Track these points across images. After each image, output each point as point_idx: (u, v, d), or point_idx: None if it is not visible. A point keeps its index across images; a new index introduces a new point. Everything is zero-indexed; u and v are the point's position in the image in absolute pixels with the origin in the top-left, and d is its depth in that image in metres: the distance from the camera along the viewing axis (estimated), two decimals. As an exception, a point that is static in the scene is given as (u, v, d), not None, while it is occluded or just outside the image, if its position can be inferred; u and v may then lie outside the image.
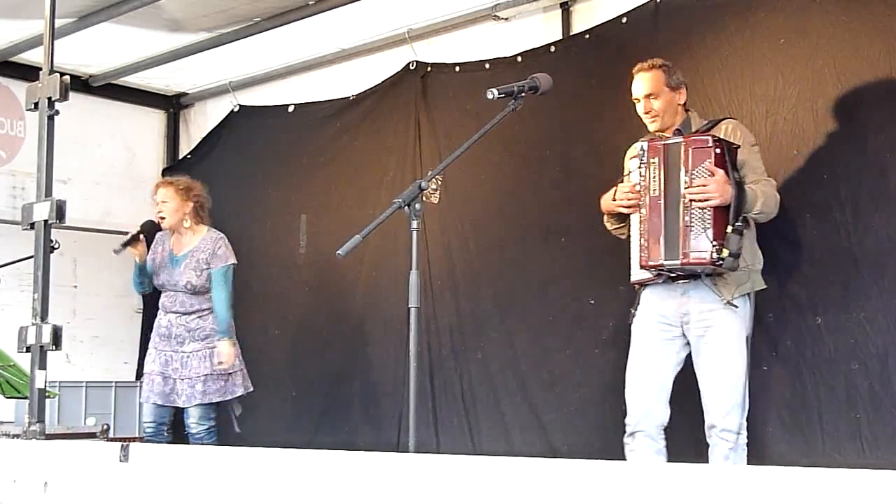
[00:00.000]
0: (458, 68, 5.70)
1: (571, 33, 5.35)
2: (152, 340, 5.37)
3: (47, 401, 3.74)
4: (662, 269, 3.89)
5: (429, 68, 5.83)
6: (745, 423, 3.86)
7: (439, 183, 5.57)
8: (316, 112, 6.42)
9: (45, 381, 3.65)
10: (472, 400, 5.43)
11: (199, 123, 7.31)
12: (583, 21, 5.32)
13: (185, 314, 5.28)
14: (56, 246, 3.80)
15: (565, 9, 5.39)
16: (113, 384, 6.73)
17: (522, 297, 5.29)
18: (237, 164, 6.81)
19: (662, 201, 3.85)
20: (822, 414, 4.18)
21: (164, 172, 7.16)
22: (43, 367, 3.63)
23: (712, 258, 3.73)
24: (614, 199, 4.03)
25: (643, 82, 4.07)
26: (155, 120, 7.38)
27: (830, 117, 4.27)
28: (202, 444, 5.17)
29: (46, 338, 3.62)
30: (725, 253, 3.72)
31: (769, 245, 4.22)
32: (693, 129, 4.03)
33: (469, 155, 3.74)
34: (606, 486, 1.90)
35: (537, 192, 5.30)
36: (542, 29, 5.48)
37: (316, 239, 6.29)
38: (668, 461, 3.97)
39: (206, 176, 6.86)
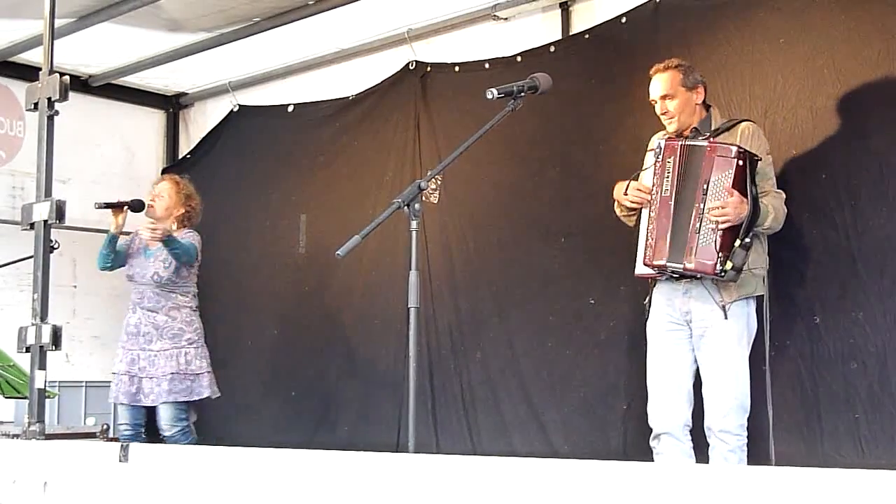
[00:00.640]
0: (457, 68, 5.71)
1: (571, 33, 5.35)
2: (121, 339, 5.29)
3: (47, 401, 3.74)
4: (665, 270, 3.90)
5: (428, 68, 5.83)
6: (745, 425, 3.86)
7: (439, 183, 5.56)
8: (315, 112, 6.42)
9: (45, 381, 3.65)
10: (472, 400, 5.43)
11: (199, 123, 7.31)
12: (582, 21, 5.32)
13: (152, 311, 5.21)
14: (56, 246, 3.80)
15: (565, 9, 5.39)
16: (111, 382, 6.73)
17: (522, 296, 5.29)
18: (237, 164, 6.81)
19: (673, 202, 3.85)
20: (821, 414, 4.18)
21: (164, 172, 7.14)
22: (42, 367, 3.63)
23: (715, 269, 3.74)
24: (626, 193, 4.03)
25: (659, 83, 4.06)
26: (154, 120, 7.38)
27: (830, 117, 4.27)
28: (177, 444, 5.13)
29: (46, 338, 3.63)
30: (729, 266, 3.73)
31: (768, 244, 4.23)
32: (713, 128, 4.01)
33: (468, 155, 3.74)
34: (606, 487, 1.90)
35: (537, 191, 5.30)
36: (541, 29, 5.48)
37: (315, 239, 6.29)
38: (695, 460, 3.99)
39: (206, 176, 6.88)
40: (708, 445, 3.90)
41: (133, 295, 5.30)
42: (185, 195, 5.37)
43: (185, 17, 5.76)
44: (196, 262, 5.31)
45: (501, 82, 3.69)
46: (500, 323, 5.36)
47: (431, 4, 5.63)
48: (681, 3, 4.84)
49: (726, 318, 3.86)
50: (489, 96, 3.62)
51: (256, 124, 6.74)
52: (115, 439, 5.69)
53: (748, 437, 3.91)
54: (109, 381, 5.44)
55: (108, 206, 5.17)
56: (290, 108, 6.56)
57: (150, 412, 5.27)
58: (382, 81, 6.06)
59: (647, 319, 4.12)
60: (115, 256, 5.27)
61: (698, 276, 3.83)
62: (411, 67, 5.89)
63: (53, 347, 3.64)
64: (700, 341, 3.94)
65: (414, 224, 3.32)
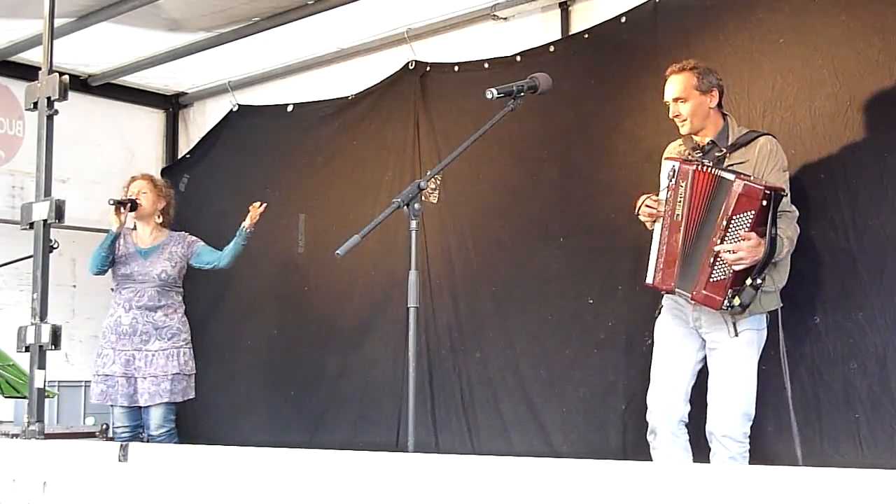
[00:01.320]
0: (456, 68, 5.71)
1: (570, 33, 5.35)
2: (107, 340, 5.24)
3: (46, 400, 3.74)
4: (672, 293, 3.92)
5: (428, 68, 5.83)
6: (748, 433, 3.86)
7: (438, 183, 5.57)
8: (315, 112, 6.42)
9: (44, 381, 3.65)
10: (471, 399, 5.43)
11: (199, 123, 7.31)
12: (582, 21, 5.32)
13: (152, 310, 5.23)
14: (55, 246, 3.81)
15: (564, 8, 5.39)
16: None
17: (521, 296, 5.29)
18: (236, 164, 6.81)
19: (683, 227, 3.82)
20: (821, 414, 4.18)
21: (164, 172, 7.15)
22: (42, 366, 3.63)
23: (722, 305, 3.74)
24: (637, 212, 3.99)
25: (672, 85, 4.02)
26: (154, 119, 7.38)
27: (829, 117, 4.27)
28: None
29: (45, 337, 3.63)
30: (737, 302, 3.72)
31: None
32: (730, 140, 3.96)
33: (468, 155, 3.74)
34: (605, 486, 1.90)
35: (536, 191, 5.30)
36: (540, 29, 5.48)
37: (315, 238, 6.29)
38: (694, 457, 4.00)
39: (205, 175, 6.90)
40: (709, 450, 3.90)
41: (126, 293, 5.27)
42: (162, 187, 5.46)
43: (184, 16, 5.76)
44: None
45: (501, 82, 3.69)
46: (499, 323, 5.36)
47: (431, 4, 5.63)
48: (680, 2, 4.84)
49: (736, 334, 3.84)
50: (489, 96, 3.61)
51: (256, 124, 6.74)
52: (112, 439, 5.68)
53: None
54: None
55: (119, 203, 5.20)
56: (290, 108, 6.56)
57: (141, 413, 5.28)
58: (382, 81, 6.06)
59: (657, 318, 4.13)
60: (111, 259, 5.29)
61: (704, 306, 3.83)
62: (411, 67, 5.89)
63: (53, 347, 3.64)
64: (713, 353, 3.94)
65: (413, 224, 3.32)
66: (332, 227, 6.07)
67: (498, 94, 3.62)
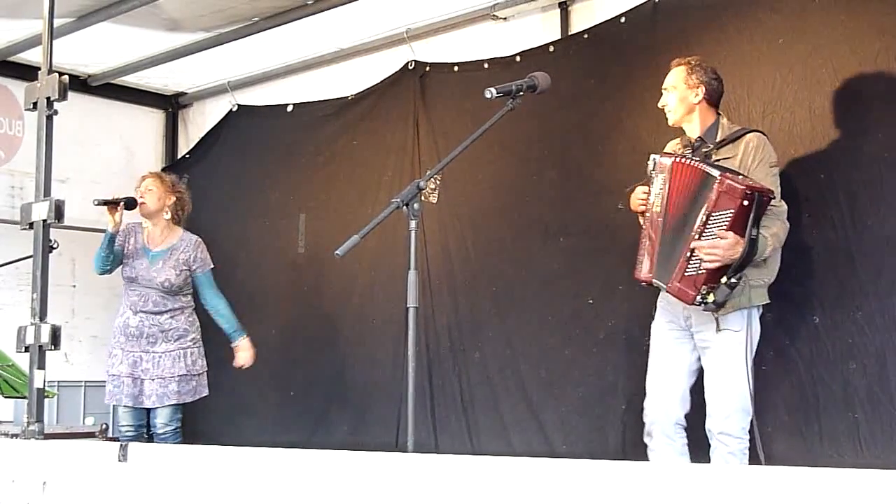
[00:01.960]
0: (456, 68, 5.71)
1: (570, 33, 5.35)
2: (116, 341, 5.24)
3: (46, 400, 3.74)
4: (651, 286, 3.96)
5: (427, 68, 5.83)
6: (747, 429, 3.86)
7: (438, 182, 5.56)
8: (315, 112, 6.42)
9: (44, 381, 3.65)
10: (471, 399, 5.43)
11: (198, 123, 7.31)
12: (581, 21, 5.32)
13: (157, 314, 5.21)
14: (55, 246, 3.81)
15: (564, 8, 5.39)
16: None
17: (521, 296, 5.29)
18: (236, 164, 6.81)
19: (662, 220, 3.87)
20: (820, 413, 4.18)
21: (164, 172, 7.15)
22: (42, 366, 3.63)
23: (694, 300, 3.77)
24: (632, 200, 4.06)
25: (668, 75, 4.11)
26: (154, 119, 7.38)
27: (828, 116, 4.27)
28: (167, 444, 5.13)
29: (45, 337, 3.63)
30: (711, 298, 3.74)
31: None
32: (719, 138, 3.98)
33: (467, 154, 3.74)
34: (605, 486, 1.90)
35: (536, 191, 5.30)
36: (540, 28, 5.48)
37: (314, 238, 6.29)
38: (692, 458, 4.01)
39: (205, 175, 6.89)
40: (709, 447, 3.91)
41: (132, 296, 5.25)
42: (171, 183, 5.38)
43: (184, 16, 5.76)
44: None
45: (500, 82, 3.68)
46: (498, 322, 5.37)
47: (430, 4, 5.63)
48: (680, 2, 4.84)
49: (718, 329, 3.86)
50: (488, 96, 3.61)
51: (255, 124, 6.74)
52: (115, 439, 5.69)
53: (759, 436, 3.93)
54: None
55: (104, 202, 5.11)
56: (290, 108, 6.56)
57: (148, 412, 5.28)
58: (381, 81, 6.06)
59: (653, 319, 4.15)
60: (113, 257, 5.25)
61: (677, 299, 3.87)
62: (410, 67, 5.89)
63: (52, 347, 3.64)
64: (705, 351, 3.95)
65: (413, 224, 3.32)
66: (331, 227, 6.07)
67: (497, 93, 3.62)
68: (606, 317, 4.89)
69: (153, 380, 5.14)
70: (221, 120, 6.95)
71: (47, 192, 3.78)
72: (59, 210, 3.69)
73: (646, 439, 4.06)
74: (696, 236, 3.74)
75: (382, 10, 5.65)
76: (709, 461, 3.90)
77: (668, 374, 4.03)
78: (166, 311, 5.21)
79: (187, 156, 7.15)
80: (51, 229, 3.75)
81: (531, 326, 5.23)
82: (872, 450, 4.02)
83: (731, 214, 3.67)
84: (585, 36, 5.21)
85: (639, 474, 1.89)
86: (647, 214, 3.94)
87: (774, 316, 4.09)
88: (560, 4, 5.40)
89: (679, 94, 4.04)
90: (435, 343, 5.58)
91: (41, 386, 3.62)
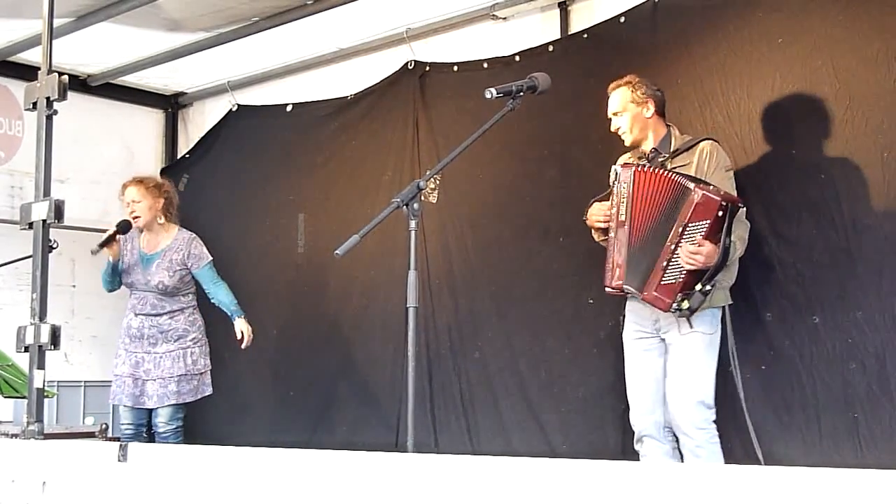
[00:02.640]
0: (456, 68, 5.70)
1: (570, 33, 5.35)
2: (122, 341, 5.31)
3: (46, 400, 3.74)
4: (622, 292, 4.03)
5: (427, 68, 5.83)
6: (710, 419, 3.93)
7: (437, 182, 5.57)
8: (314, 111, 6.42)
9: (44, 381, 3.64)
10: (471, 400, 5.43)
11: (198, 123, 7.30)
12: (581, 21, 5.32)
13: (155, 316, 5.24)
14: (54, 246, 3.80)
15: (563, 8, 5.39)
16: (111, 384, 6.72)
17: (521, 296, 5.29)
18: (235, 164, 6.81)
19: (629, 225, 3.96)
20: (820, 413, 4.18)
21: (163, 172, 7.14)
22: (41, 366, 3.63)
23: (670, 307, 3.85)
24: (585, 218, 4.16)
25: (611, 100, 4.21)
26: (153, 119, 7.38)
27: (828, 116, 4.27)
28: (168, 443, 5.15)
29: (45, 337, 3.62)
30: (685, 305, 3.82)
31: (766, 244, 4.24)
32: (672, 148, 4.10)
33: (467, 154, 3.74)
34: (604, 486, 1.90)
35: (535, 191, 5.30)
36: (540, 28, 5.48)
37: (314, 238, 6.29)
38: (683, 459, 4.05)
39: (205, 175, 6.89)
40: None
41: (132, 300, 5.31)
42: (155, 186, 5.37)
43: (184, 16, 5.76)
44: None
45: (500, 82, 3.69)
46: (498, 322, 5.36)
47: (430, 4, 5.63)
48: (680, 2, 4.84)
49: (691, 327, 3.92)
50: (488, 96, 3.62)
51: (255, 124, 6.73)
52: (115, 439, 5.69)
53: (749, 436, 3.95)
54: (108, 381, 5.45)
55: (102, 246, 5.17)
56: (289, 108, 6.55)
57: (149, 412, 5.29)
58: (381, 81, 6.05)
59: (622, 331, 4.22)
60: (118, 278, 5.35)
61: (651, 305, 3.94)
62: (410, 67, 5.89)
63: (52, 347, 3.64)
64: (669, 350, 4.04)
65: (413, 224, 3.32)
66: (331, 226, 6.07)
67: (497, 93, 3.63)
68: (606, 317, 4.88)
69: (154, 380, 5.17)
70: (221, 120, 6.95)
71: (47, 192, 3.77)
72: (58, 210, 3.69)
73: (636, 447, 4.15)
74: (673, 246, 3.82)
75: (382, 10, 5.64)
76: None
77: (645, 381, 4.12)
78: (165, 313, 5.23)
79: (187, 156, 7.15)
80: (50, 229, 3.74)
81: (531, 326, 5.22)
82: (872, 449, 4.02)
83: (707, 225, 3.77)
84: (585, 36, 5.21)
85: (639, 474, 1.89)
86: (612, 224, 4.02)
87: (774, 316, 4.09)
88: (560, 4, 5.40)
89: (631, 114, 4.14)
90: (435, 343, 5.58)
91: (41, 386, 3.62)
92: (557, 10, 5.41)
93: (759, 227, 4.20)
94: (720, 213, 3.76)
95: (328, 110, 6.34)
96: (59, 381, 6.29)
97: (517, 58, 5.40)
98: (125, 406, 5.25)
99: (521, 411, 5.20)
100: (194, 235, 5.39)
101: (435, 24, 5.82)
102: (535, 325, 5.21)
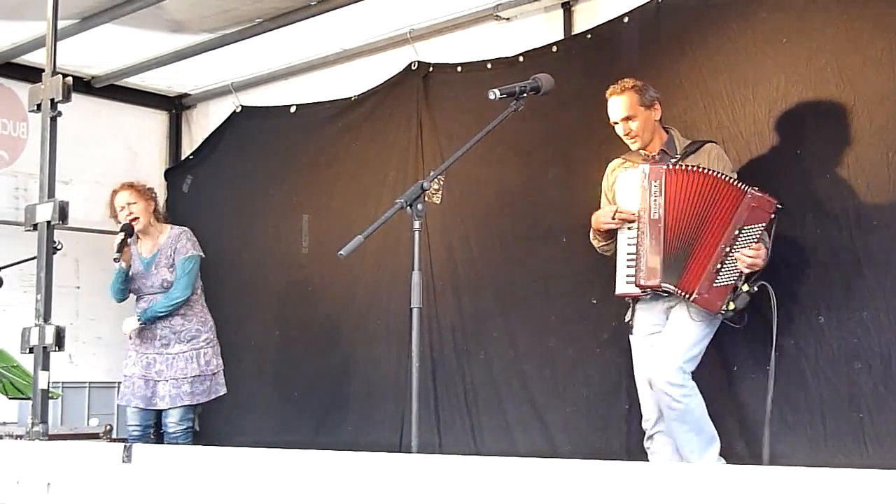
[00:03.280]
0: (459, 68, 5.70)
1: (573, 33, 5.35)
2: (133, 342, 5.30)
3: (50, 401, 3.74)
4: (658, 290, 4.02)
5: (430, 68, 5.83)
6: (687, 377, 3.93)
7: (441, 183, 5.57)
8: (318, 112, 6.42)
9: (48, 382, 3.65)
10: (475, 400, 5.43)
11: (202, 124, 7.31)
12: (584, 21, 5.31)
13: (167, 316, 5.23)
14: (59, 247, 3.81)
15: (567, 9, 5.39)
16: (116, 385, 6.66)
17: (524, 296, 5.29)
18: (239, 165, 6.81)
19: (664, 225, 3.96)
20: (825, 413, 4.18)
21: (167, 173, 7.17)
22: (46, 367, 3.63)
23: (720, 309, 3.88)
24: (613, 217, 4.11)
25: (618, 105, 4.19)
26: (157, 121, 7.38)
27: (833, 116, 4.26)
28: (177, 443, 5.15)
29: (49, 339, 3.62)
30: (732, 307, 3.86)
31: (772, 244, 4.22)
32: (677, 150, 4.13)
33: (471, 155, 3.74)
34: (609, 486, 1.90)
35: (539, 191, 5.30)
36: (543, 29, 5.48)
37: (318, 239, 6.29)
38: None
39: (209, 176, 6.90)
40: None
41: (142, 303, 5.31)
42: (145, 189, 5.40)
43: (187, 18, 5.77)
44: (198, 258, 5.34)
45: (503, 82, 3.69)
46: (502, 323, 5.36)
47: (434, 5, 5.63)
48: (683, 2, 4.84)
49: (691, 317, 3.99)
50: (491, 97, 3.62)
51: (259, 125, 6.74)
52: (122, 440, 5.69)
53: (751, 438, 3.95)
54: (113, 382, 5.47)
55: (121, 251, 5.12)
56: (293, 109, 6.56)
57: (157, 412, 5.30)
58: (385, 82, 6.05)
59: (630, 334, 4.23)
60: (127, 287, 5.34)
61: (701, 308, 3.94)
62: (413, 68, 5.89)
63: (57, 348, 3.64)
64: (669, 316, 4.09)
65: (416, 224, 3.32)
66: (335, 227, 6.07)
67: (501, 94, 3.62)
68: (610, 317, 4.88)
69: (166, 381, 5.18)
70: (225, 121, 6.96)
71: (51, 194, 3.77)
72: (62, 211, 3.69)
73: (645, 444, 4.16)
74: (728, 249, 3.87)
75: (385, 11, 5.65)
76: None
77: None
78: (176, 314, 5.23)
79: (191, 157, 7.15)
80: (55, 230, 3.75)
81: (535, 327, 5.22)
82: (878, 450, 4.02)
83: (762, 228, 3.86)
84: (588, 36, 5.20)
85: (643, 474, 1.88)
86: (639, 224, 4.01)
87: (780, 316, 4.08)
88: (563, 4, 5.39)
89: (641, 119, 4.15)
90: (439, 343, 5.58)
91: (45, 387, 3.62)
92: (561, 11, 5.41)
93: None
94: (773, 216, 3.86)
95: (332, 111, 6.35)
96: (63, 383, 6.29)
97: (521, 58, 5.40)
98: (134, 408, 5.24)
99: (525, 412, 5.20)
100: (185, 230, 5.40)
101: (438, 25, 5.82)
102: (539, 326, 5.21)
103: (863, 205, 4.14)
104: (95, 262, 5.82)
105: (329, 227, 6.18)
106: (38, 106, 3.83)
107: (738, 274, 3.86)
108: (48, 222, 3.70)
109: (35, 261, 3.78)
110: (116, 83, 6.90)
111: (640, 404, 4.25)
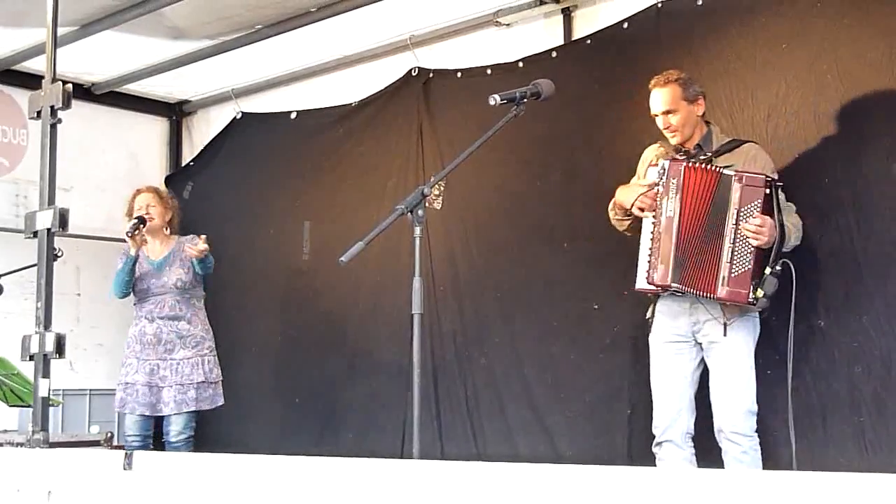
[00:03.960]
0: (459, 74, 5.71)
1: (573, 38, 5.35)
2: (131, 350, 5.29)
3: (51, 409, 3.74)
4: (669, 289, 3.96)
5: (431, 74, 5.84)
6: (755, 427, 3.90)
7: (442, 189, 5.57)
8: (318, 119, 6.43)
9: (49, 390, 3.64)
10: (476, 405, 5.42)
11: (202, 131, 7.32)
12: (584, 26, 5.32)
13: (174, 319, 5.25)
14: (59, 254, 3.80)
15: (567, 14, 5.39)
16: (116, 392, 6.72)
17: (526, 302, 5.29)
18: (240, 171, 6.81)
19: (677, 223, 3.88)
20: (826, 418, 4.17)
21: (167, 180, 7.17)
22: (46, 375, 3.63)
23: (748, 298, 3.79)
24: (636, 200, 4.01)
25: (660, 98, 4.07)
26: (158, 127, 7.39)
27: (833, 121, 4.26)
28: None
29: (50, 346, 3.62)
30: (760, 293, 3.78)
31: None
32: (714, 146, 4.04)
33: (471, 161, 3.74)
34: (611, 492, 1.90)
35: (540, 197, 5.30)
36: (543, 34, 5.49)
37: (319, 245, 6.29)
38: (699, 464, 4.04)
39: (209, 183, 6.90)
40: (720, 450, 3.92)
41: (148, 305, 5.30)
42: (169, 198, 5.50)
43: (187, 24, 5.77)
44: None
45: (504, 88, 3.69)
46: (504, 328, 5.36)
47: (434, 11, 5.64)
48: (683, 7, 4.84)
49: (725, 334, 3.90)
50: (492, 103, 3.62)
51: (259, 131, 6.74)
52: (120, 447, 5.68)
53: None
54: (113, 389, 5.44)
55: (137, 227, 5.14)
56: (294, 115, 6.56)
57: (157, 421, 5.29)
58: (385, 88, 6.06)
59: (649, 333, 4.15)
60: (132, 281, 5.32)
61: (728, 303, 3.87)
62: (414, 74, 5.89)
63: (57, 355, 3.63)
64: (710, 351, 3.98)
65: (417, 230, 3.32)
66: (336, 233, 6.07)
67: (501, 100, 3.62)
68: (612, 322, 4.89)
69: (171, 387, 5.18)
70: (225, 127, 6.96)
71: (51, 201, 3.77)
72: (63, 218, 3.69)
73: (654, 449, 4.08)
74: (732, 235, 3.81)
75: (386, 17, 5.65)
76: (717, 464, 3.91)
77: (674, 386, 4.05)
78: (184, 317, 5.25)
79: (191, 163, 7.16)
80: (55, 238, 3.75)
81: (536, 332, 5.22)
82: (878, 454, 4.01)
83: (759, 204, 3.77)
84: (588, 41, 5.21)
85: (645, 480, 1.88)
86: (655, 221, 3.94)
87: (779, 319, 4.08)
88: (563, 10, 5.40)
89: (683, 113, 4.04)
90: (440, 349, 5.58)
91: (46, 394, 3.62)
92: (561, 16, 5.41)
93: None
94: (767, 191, 3.78)
95: (332, 117, 6.35)
96: (64, 390, 6.29)
97: (521, 64, 5.40)
98: (138, 416, 5.22)
99: (527, 417, 5.20)
100: (194, 236, 5.42)
101: (438, 31, 5.83)
102: (541, 331, 5.20)
103: (863, 210, 4.14)
104: (96, 269, 5.82)
105: (330, 234, 6.18)
106: (38, 113, 3.82)
107: (752, 254, 3.77)
108: (48, 229, 3.70)
109: (35, 268, 3.77)
110: (117, 90, 6.91)
111: (643, 409, 4.23)
